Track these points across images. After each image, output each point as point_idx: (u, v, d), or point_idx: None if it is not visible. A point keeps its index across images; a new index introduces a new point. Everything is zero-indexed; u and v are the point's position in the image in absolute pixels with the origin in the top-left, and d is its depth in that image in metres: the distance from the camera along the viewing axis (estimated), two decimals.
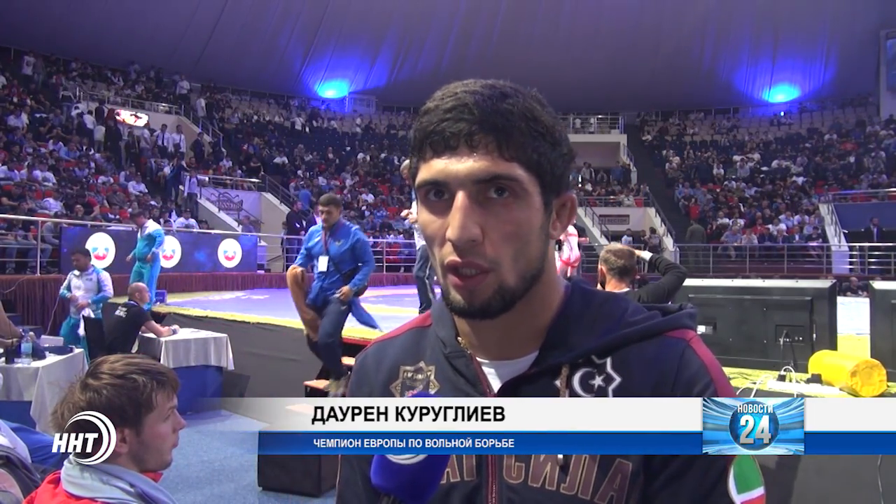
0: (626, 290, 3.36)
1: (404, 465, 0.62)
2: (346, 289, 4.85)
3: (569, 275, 3.57)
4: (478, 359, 0.76)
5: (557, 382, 0.72)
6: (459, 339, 0.77)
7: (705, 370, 0.70)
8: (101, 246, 10.30)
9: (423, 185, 0.69)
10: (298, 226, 15.12)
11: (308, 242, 5.14)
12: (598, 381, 0.71)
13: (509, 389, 0.73)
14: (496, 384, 0.74)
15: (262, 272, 14.41)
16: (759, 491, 0.68)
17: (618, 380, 0.71)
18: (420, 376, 0.79)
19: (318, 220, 5.14)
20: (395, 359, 0.82)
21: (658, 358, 0.71)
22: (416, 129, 0.71)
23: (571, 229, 10.30)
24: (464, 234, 0.66)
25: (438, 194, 0.69)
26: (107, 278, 7.52)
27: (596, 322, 0.74)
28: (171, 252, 11.66)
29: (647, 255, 3.68)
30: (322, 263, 4.95)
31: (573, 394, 0.71)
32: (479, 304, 0.68)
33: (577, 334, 0.73)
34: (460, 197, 0.67)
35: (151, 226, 8.45)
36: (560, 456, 0.69)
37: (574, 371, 0.72)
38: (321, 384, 5.31)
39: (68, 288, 7.41)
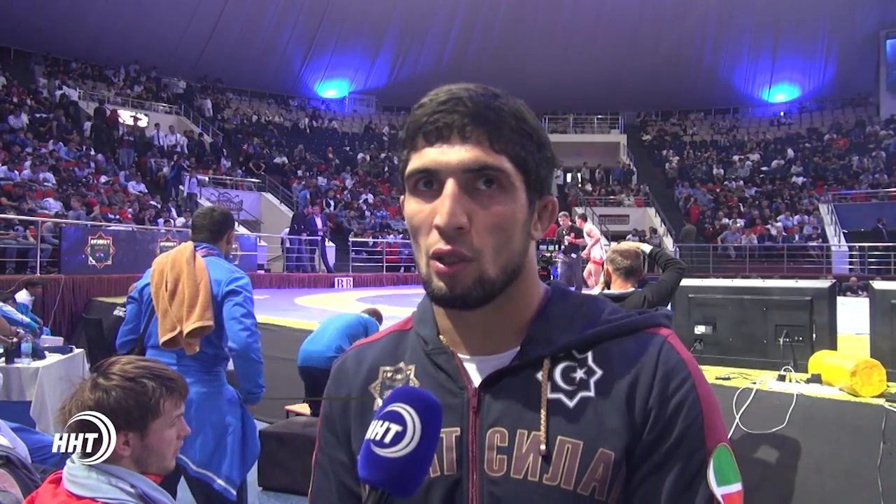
0: (632, 289, 3.34)
1: (392, 458, 0.62)
2: None
3: (602, 275, 3.52)
4: (459, 355, 0.77)
5: (539, 375, 0.73)
6: (441, 336, 0.78)
7: (683, 364, 0.73)
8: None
9: (414, 174, 0.71)
10: (298, 227, 15.11)
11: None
12: (579, 373, 0.73)
13: (491, 383, 0.74)
14: (477, 379, 0.75)
15: (262, 272, 14.42)
16: (738, 486, 0.70)
17: (599, 373, 0.73)
18: (399, 376, 0.80)
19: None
20: (374, 360, 0.83)
21: (638, 352, 0.73)
22: (409, 122, 0.73)
23: (596, 231, 10.32)
24: (452, 220, 0.67)
25: (428, 184, 0.71)
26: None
27: (575, 320, 0.76)
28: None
29: (647, 247, 3.67)
30: None
31: (555, 386, 0.73)
32: (460, 291, 0.69)
33: (557, 330, 0.75)
34: (450, 185, 0.69)
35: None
36: (542, 446, 0.70)
37: (555, 364, 0.74)
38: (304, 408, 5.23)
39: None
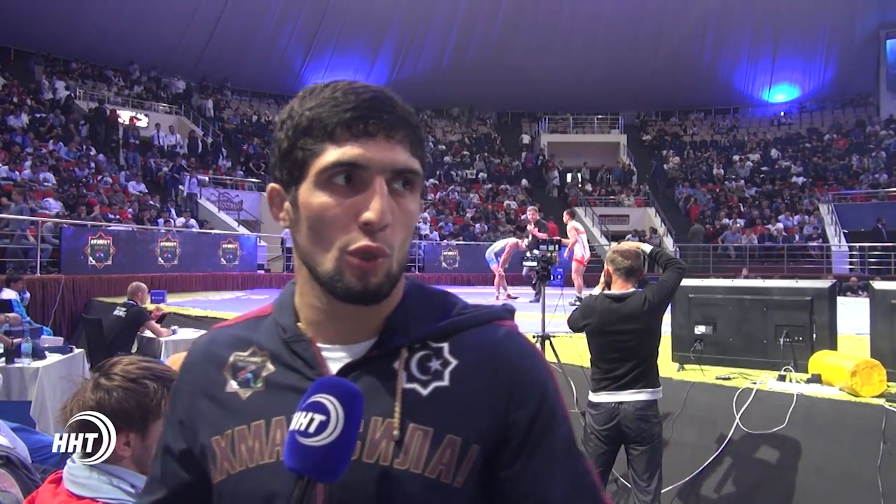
0: (633, 289, 3.34)
1: (317, 447, 0.64)
2: None
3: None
4: (318, 343, 0.78)
5: (395, 365, 0.76)
6: (300, 324, 0.80)
7: (535, 353, 0.80)
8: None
9: (334, 167, 0.71)
10: None
11: None
12: (435, 364, 0.77)
13: (348, 371, 0.76)
14: (335, 367, 0.76)
15: (262, 272, 14.43)
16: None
17: (454, 363, 0.77)
18: (253, 359, 0.80)
19: None
20: (226, 345, 0.83)
21: (492, 343, 0.78)
22: (319, 111, 0.72)
23: (581, 228, 10.08)
24: (384, 218, 0.70)
25: (348, 179, 0.71)
26: None
27: (431, 312, 0.80)
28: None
29: (647, 247, 3.67)
30: None
31: (410, 376, 0.76)
32: (374, 287, 0.71)
33: (414, 321, 0.78)
34: (380, 182, 0.71)
35: None
36: (395, 432, 0.72)
37: (412, 354, 0.77)
38: None
39: None
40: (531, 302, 9.69)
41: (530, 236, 10.21)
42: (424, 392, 0.75)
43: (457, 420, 0.74)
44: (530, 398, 0.76)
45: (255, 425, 0.75)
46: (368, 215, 0.69)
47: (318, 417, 0.65)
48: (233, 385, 0.79)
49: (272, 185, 0.78)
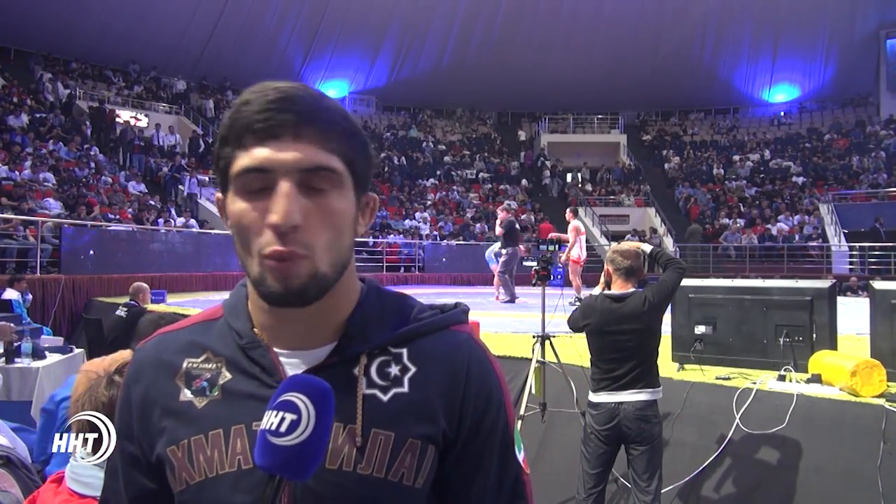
0: (633, 290, 3.34)
1: (288, 446, 0.64)
2: None
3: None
4: (275, 349, 0.77)
5: (356, 371, 0.76)
6: (255, 330, 0.78)
7: (488, 360, 0.82)
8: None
9: (244, 173, 0.70)
10: None
11: None
12: (394, 369, 0.78)
13: None
14: (293, 374, 0.75)
15: None
16: (523, 452, 0.84)
17: (413, 370, 0.78)
18: (208, 366, 0.78)
19: None
20: (176, 351, 0.81)
21: (449, 350, 0.80)
22: (234, 118, 0.72)
23: (582, 228, 9.99)
24: (288, 219, 0.68)
25: (259, 183, 0.71)
26: None
27: (389, 317, 0.80)
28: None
29: (647, 247, 3.66)
30: None
31: (370, 382, 0.76)
32: (296, 289, 0.70)
33: (373, 327, 0.78)
34: (285, 184, 0.69)
35: None
36: (358, 439, 0.73)
37: (371, 360, 0.78)
38: None
39: None
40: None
41: (501, 238, 10.17)
42: (385, 398, 0.76)
43: (416, 424, 0.75)
44: (479, 404, 0.78)
45: (213, 434, 0.74)
46: (271, 218, 0.68)
47: (290, 416, 0.64)
48: (187, 394, 0.77)
49: (217, 194, 0.78)
